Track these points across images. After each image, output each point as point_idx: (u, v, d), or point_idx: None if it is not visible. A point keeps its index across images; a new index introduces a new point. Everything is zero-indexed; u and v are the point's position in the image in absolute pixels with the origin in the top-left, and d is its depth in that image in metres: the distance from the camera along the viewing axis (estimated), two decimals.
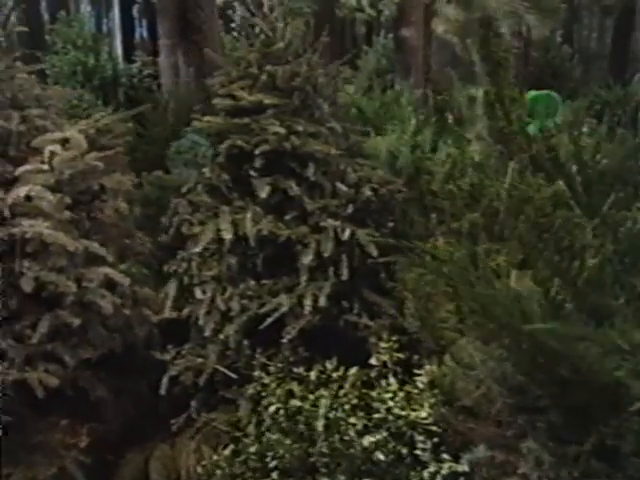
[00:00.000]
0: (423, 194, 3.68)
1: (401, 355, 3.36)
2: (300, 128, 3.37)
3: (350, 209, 3.46)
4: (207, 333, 3.36)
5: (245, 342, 3.40)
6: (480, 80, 8.49)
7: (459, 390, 3.02)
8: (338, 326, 3.50)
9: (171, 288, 3.55)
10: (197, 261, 3.48)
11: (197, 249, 3.50)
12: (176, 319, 3.80)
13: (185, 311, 3.53)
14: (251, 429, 2.99)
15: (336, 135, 3.56)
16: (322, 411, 2.84)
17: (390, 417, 2.98)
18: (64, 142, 3.46)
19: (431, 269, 3.07)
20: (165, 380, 3.57)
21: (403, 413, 2.95)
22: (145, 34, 10.90)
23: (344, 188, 3.54)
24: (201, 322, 3.38)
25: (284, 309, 3.28)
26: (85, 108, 8.99)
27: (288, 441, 2.78)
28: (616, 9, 11.13)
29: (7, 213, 3.26)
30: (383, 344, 3.39)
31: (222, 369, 3.35)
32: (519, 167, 3.80)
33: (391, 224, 3.70)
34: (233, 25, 11.86)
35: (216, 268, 3.41)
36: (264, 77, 3.36)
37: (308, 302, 3.27)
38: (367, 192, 3.45)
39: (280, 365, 3.19)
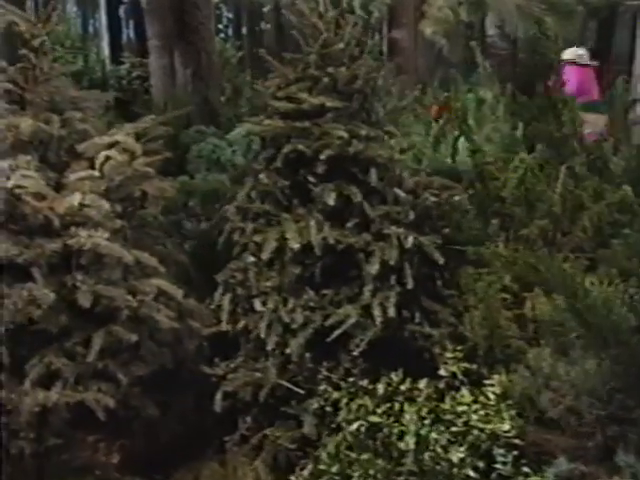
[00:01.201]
0: (483, 199, 3.60)
1: (468, 365, 3.28)
2: (362, 132, 3.26)
3: (412, 216, 3.36)
4: (270, 347, 3.22)
5: (307, 355, 3.26)
6: (484, 82, 8.49)
7: (540, 401, 2.95)
8: (400, 336, 3.39)
9: (225, 300, 3.39)
10: (254, 271, 3.33)
11: (251, 259, 3.36)
12: (220, 332, 3.65)
13: (240, 324, 3.38)
14: (331, 447, 2.85)
15: (393, 139, 3.46)
16: (413, 427, 2.72)
17: (472, 430, 2.88)
18: (114, 147, 3.28)
19: (524, 277, 2.99)
20: (219, 396, 3.41)
21: (488, 426, 2.86)
22: (132, 35, 10.63)
23: (402, 194, 3.44)
24: (262, 335, 3.23)
25: (352, 321, 3.16)
26: None
27: (378, 461, 2.66)
28: (603, 11, 11.30)
29: (57, 223, 3.07)
30: (448, 354, 3.30)
31: (286, 384, 3.21)
32: (571, 172, 3.74)
33: (446, 230, 3.60)
34: (220, 26, 11.69)
35: (276, 278, 3.26)
36: (326, 79, 3.23)
37: (377, 313, 3.16)
38: (431, 198, 3.36)
39: (352, 379, 3.07)
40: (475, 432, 2.86)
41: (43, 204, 3.09)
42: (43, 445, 3.12)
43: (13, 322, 2.90)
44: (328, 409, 3.21)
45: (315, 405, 3.22)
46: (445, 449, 2.78)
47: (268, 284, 3.28)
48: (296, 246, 3.09)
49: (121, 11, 10.69)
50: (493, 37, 12.01)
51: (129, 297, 3.02)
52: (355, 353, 3.14)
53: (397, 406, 3.12)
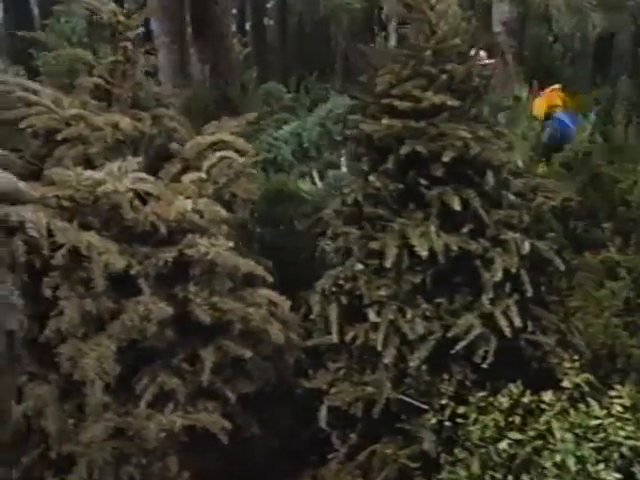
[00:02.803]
0: (594, 203, 3.46)
1: (589, 376, 3.13)
2: (481, 133, 3.08)
3: (526, 220, 3.20)
4: (387, 360, 3.02)
5: (423, 368, 3.08)
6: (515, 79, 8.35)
7: None
8: (515, 346, 3.22)
9: (332, 310, 3.18)
10: (364, 279, 3.13)
11: (360, 266, 3.17)
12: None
13: (349, 335, 3.17)
14: (475, 467, 2.67)
15: (503, 140, 3.30)
16: (571, 446, 2.56)
17: (615, 446, 2.73)
18: (215, 146, 3.05)
19: None
20: (324, 411, 3.21)
21: (634, 443, 2.71)
22: None
23: (512, 197, 3.28)
24: (379, 347, 3.03)
25: (477, 332, 2.98)
26: None
27: None
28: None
29: (164, 230, 2.83)
30: (567, 364, 3.15)
31: (407, 399, 3.03)
32: None
33: (551, 234, 3.46)
34: None
35: (391, 287, 3.07)
36: (444, 76, 3.04)
37: (504, 322, 2.99)
38: (551, 202, 3.20)
39: (482, 394, 2.90)
40: (621, 449, 2.71)
41: (147, 209, 2.85)
42: (148, 470, 2.89)
43: (126, 339, 2.66)
44: (447, 424, 3.05)
45: (433, 420, 3.04)
46: (593, 467, 2.63)
47: (382, 293, 3.08)
48: (424, 253, 2.91)
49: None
50: (500, 34, 11.94)
51: (250, 309, 2.80)
52: (484, 366, 2.97)
53: (518, 420, 2.97)
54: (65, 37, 8.98)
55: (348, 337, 3.18)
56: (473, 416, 2.89)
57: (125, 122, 2.92)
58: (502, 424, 2.85)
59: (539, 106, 7.06)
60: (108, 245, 2.56)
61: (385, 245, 2.99)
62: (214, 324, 2.89)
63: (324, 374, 3.37)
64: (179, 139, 3.24)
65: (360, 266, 3.18)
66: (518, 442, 2.73)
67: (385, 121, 3.01)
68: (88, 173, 2.62)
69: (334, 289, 3.27)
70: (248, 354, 2.87)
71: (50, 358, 2.85)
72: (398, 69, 3.15)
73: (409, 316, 3.03)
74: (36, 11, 11.04)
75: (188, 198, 2.88)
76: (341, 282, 3.23)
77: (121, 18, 3.08)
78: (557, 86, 7.60)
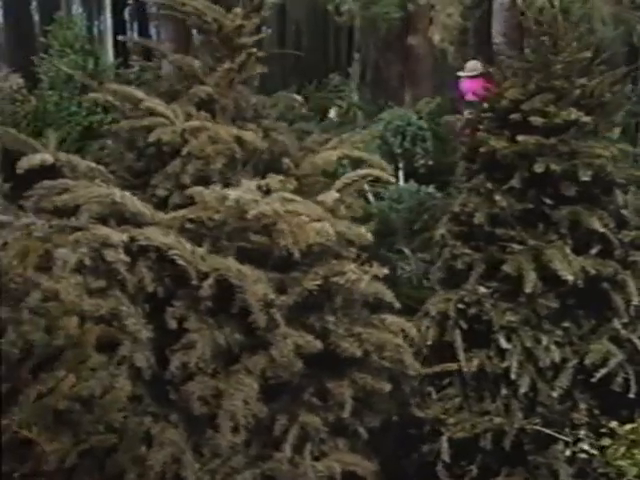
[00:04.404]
0: None
1: None
2: (614, 150, 2.96)
3: None
4: (523, 389, 2.86)
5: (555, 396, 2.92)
6: None
7: None
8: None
9: (457, 335, 3.00)
10: (490, 303, 2.96)
11: (483, 290, 3.00)
12: None
13: (473, 362, 2.99)
14: None
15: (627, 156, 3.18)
16: None
17: None
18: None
19: None
20: (445, 443, 3.01)
21: None
22: (136, 37, 9.94)
23: (633, 216, 3.16)
24: (513, 376, 2.87)
25: (618, 359, 2.84)
26: (85, 115, 8.14)
27: None
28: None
29: (297, 255, 2.59)
30: None
31: (546, 430, 2.86)
32: None
33: None
34: None
35: (519, 312, 2.91)
36: (577, 91, 2.91)
37: None
38: None
39: (633, 425, 2.75)
40: None
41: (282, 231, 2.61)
42: None
43: (272, 377, 2.42)
44: (582, 456, 2.90)
45: (567, 452, 2.89)
46: None
47: (512, 318, 2.92)
48: (570, 278, 2.76)
49: (126, 13, 10.04)
50: (499, 45, 11.98)
51: (398, 341, 2.59)
52: (631, 395, 2.83)
53: None
54: (69, 44, 8.62)
55: (473, 364, 3.01)
56: (622, 450, 2.75)
57: (249, 136, 2.69)
58: None
59: None
60: (257, 274, 2.33)
61: (521, 268, 2.82)
62: (347, 355, 2.67)
63: (435, 403, 3.20)
64: (288, 153, 3.01)
65: (483, 289, 3.01)
66: None
67: (521, 138, 2.86)
68: (235, 193, 2.38)
69: (451, 314, 3.09)
70: (387, 387, 2.66)
71: (167, 395, 2.60)
72: (522, 83, 3.01)
73: (545, 342, 2.88)
74: (37, 17, 10.60)
75: (317, 220, 2.65)
76: (461, 306, 3.06)
77: (242, 22, 2.84)
78: None
